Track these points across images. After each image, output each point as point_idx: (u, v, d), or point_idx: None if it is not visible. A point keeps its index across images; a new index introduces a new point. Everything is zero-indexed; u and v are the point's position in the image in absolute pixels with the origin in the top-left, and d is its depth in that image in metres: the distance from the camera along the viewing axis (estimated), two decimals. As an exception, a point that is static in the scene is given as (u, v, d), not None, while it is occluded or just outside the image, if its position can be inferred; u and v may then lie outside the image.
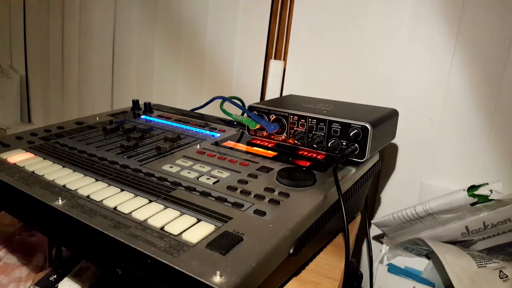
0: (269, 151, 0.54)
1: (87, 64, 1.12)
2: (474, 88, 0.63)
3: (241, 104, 0.59)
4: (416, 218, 0.61)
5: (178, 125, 0.66)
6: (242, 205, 0.38)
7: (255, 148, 0.55)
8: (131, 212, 0.36)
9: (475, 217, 0.56)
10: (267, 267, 0.32)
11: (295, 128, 0.54)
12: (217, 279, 0.27)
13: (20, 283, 0.53)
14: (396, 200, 0.73)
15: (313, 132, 0.52)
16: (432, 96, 0.67)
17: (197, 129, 0.64)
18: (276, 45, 0.82)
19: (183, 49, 0.94)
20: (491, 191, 0.54)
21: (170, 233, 0.33)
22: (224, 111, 0.55)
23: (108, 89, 1.09)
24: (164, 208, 0.37)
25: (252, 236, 0.33)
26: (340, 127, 0.50)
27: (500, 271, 0.52)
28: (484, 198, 0.55)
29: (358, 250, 0.81)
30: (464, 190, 0.56)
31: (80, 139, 0.57)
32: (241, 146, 0.56)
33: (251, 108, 0.58)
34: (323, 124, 0.51)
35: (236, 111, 0.57)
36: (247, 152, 0.53)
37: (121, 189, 0.40)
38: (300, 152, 0.53)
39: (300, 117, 0.53)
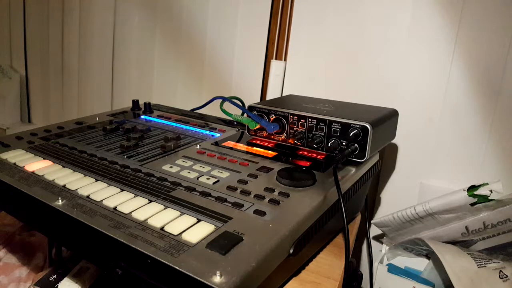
0: (269, 151, 0.54)
1: (87, 64, 1.12)
2: (474, 88, 0.63)
3: (241, 104, 0.59)
4: (416, 218, 0.61)
5: (178, 125, 0.66)
6: (242, 205, 0.38)
7: (255, 148, 0.55)
8: (131, 212, 0.36)
9: (475, 217, 0.56)
10: (267, 267, 0.32)
11: (295, 128, 0.54)
12: (217, 279, 0.27)
13: (20, 283, 0.53)
14: (396, 200, 0.73)
15: (313, 132, 0.52)
16: (432, 96, 0.67)
17: (197, 129, 0.64)
18: (277, 45, 0.82)
19: (183, 49, 0.94)
20: (491, 191, 0.54)
21: (170, 233, 0.33)
22: (224, 111, 0.55)
23: (108, 89, 1.09)
24: (164, 208, 0.37)
25: (252, 236, 0.33)
26: (340, 127, 0.50)
27: (500, 271, 0.52)
28: (484, 198, 0.55)
29: (358, 250, 0.81)
30: (464, 190, 0.56)
31: (80, 139, 0.57)
32: (241, 146, 0.56)
33: (251, 108, 0.58)
34: (323, 124, 0.51)
35: (236, 111, 0.57)
36: (247, 152, 0.53)
37: (121, 189, 0.40)
38: (300, 152, 0.53)
39: (300, 117, 0.53)
